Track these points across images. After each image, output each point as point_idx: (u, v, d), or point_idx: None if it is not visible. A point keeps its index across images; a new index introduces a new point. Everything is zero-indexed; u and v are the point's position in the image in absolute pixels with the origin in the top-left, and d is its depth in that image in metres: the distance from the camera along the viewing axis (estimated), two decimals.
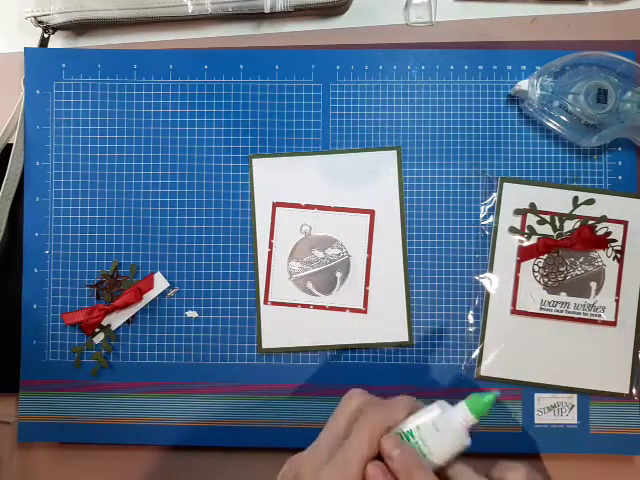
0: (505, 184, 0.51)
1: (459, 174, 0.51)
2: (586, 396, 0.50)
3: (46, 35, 0.52)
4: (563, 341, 0.50)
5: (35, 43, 0.52)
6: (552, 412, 0.50)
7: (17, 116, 0.52)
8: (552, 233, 0.51)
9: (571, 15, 0.53)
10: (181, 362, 0.51)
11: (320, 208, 0.51)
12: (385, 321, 0.51)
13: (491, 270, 0.51)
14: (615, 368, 0.50)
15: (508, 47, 0.52)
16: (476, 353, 0.50)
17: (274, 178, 0.51)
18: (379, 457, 0.35)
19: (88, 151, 0.52)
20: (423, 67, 0.52)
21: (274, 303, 0.51)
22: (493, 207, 0.51)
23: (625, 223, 0.51)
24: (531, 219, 0.51)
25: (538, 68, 0.50)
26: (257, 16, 0.53)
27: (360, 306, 0.51)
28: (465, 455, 0.37)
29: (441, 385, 0.50)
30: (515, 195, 0.51)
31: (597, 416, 0.50)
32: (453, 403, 0.37)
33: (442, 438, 0.35)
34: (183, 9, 0.51)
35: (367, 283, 0.51)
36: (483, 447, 0.48)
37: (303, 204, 0.51)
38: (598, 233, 0.50)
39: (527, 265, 0.51)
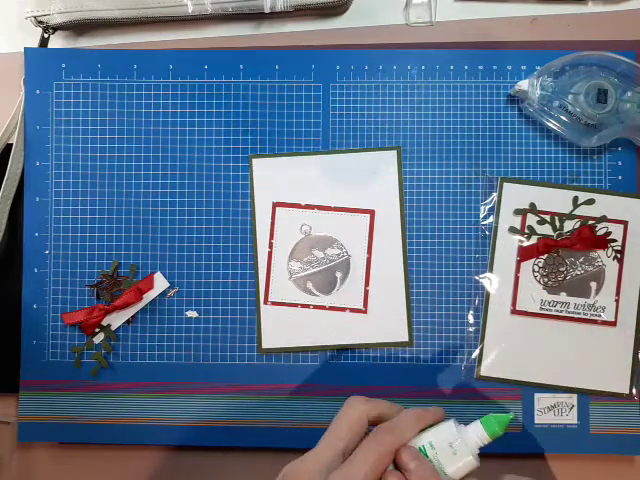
0: (505, 184, 0.51)
1: (459, 174, 0.51)
2: (586, 396, 0.50)
3: (46, 35, 0.52)
4: (563, 341, 0.50)
5: (35, 43, 0.52)
6: (552, 412, 0.50)
7: (17, 116, 0.52)
8: (552, 233, 0.51)
9: (571, 15, 0.53)
10: (181, 362, 0.51)
11: (320, 208, 0.51)
12: (385, 321, 0.51)
13: (491, 270, 0.51)
14: (615, 368, 0.50)
15: (508, 47, 0.52)
16: (476, 353, 0.50)
17: (274, 178, 0.51)
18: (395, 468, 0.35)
19: (88, 151, 0.52)
20: (423, 67, 0.52)
21: (274, 303, 0.51)
22: (493, 207, 0.51)
23: (625, 223, 0.51)
24: (531, 219, 0.51)
25: (538, 68, 0.50)
26: (257, 16, 0.53)
27: (360, 306, 0.51)
28: None
29: (441, 385, 0.50)
30: (515, 195, 0.51)
31: (597, 416, 0.50)
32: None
33: (457, 456, 0.35)
34: (183, 9, 0.51)
35: (367, 283, 0.51)
36: (483, 447, 0.48)
37: (303, 204, 0.51)
38: (598, 233, 0.50)
39: (527, 265, 0.51)
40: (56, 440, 0.52)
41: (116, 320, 0.51)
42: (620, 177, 0.51)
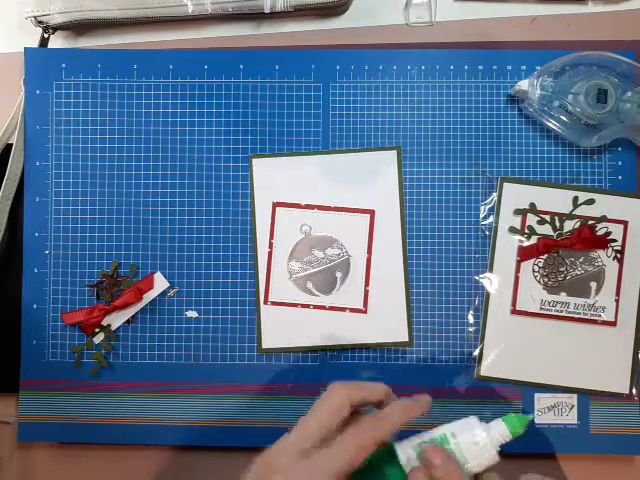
0: (505, 184, 0.51)
1: (459, 174, 0.51)
2: (586, 396, 0.50)
3: (46, 35, 0.52)
4: (563, 341, 0.50)
5: (35, 43, 0.52)
6: (552, 412, 0.50)
7: (17, 116, 0.52)
8: (552, 233, 0.51)
9: (571, 15, 0.53)
10: (181, 362, 0.51)
11: (320, 208, 0.51)
12: (385, 321, 0.51)
13: (491, 270, 0.51)
14: (615, 368, 0.50)
15: (508, 47, 0.52)
16: (476, 353, 0.50)
17: (274, 178, 0.51)
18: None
19: (88, 151, 0.52)
20: (423, 67, 0.52)
21: (274, 303, 0.51)
22: (493, 207, 0.51)
23: (625, 223, 0.51)
24: (531, 219, 0.51)
25: (538, 68, 0.50)
26: (257, 16, 0.53)
27: (360, 306, 0.51)
28: None
29: (441, 385, 0.50)
30: (515, 195, 0.51)
31: (597, 416, 0.50)
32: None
33: (480, 450, 0.37)
34: (183, 9, 0.51)
35: (367, 283, 0.51)
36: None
37: (303, 204, 0.51)
38: (598, 233, 0.50)
39: (527, 265, 0.51)
40: (56, 440, 0.52)
41: (116, 320, 0.51)
42: (620, 177, 0.51)
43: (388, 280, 0.51)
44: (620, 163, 0.51)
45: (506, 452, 0.49)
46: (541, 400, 0.50)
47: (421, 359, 0.51)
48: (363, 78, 0.52)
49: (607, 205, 0.51)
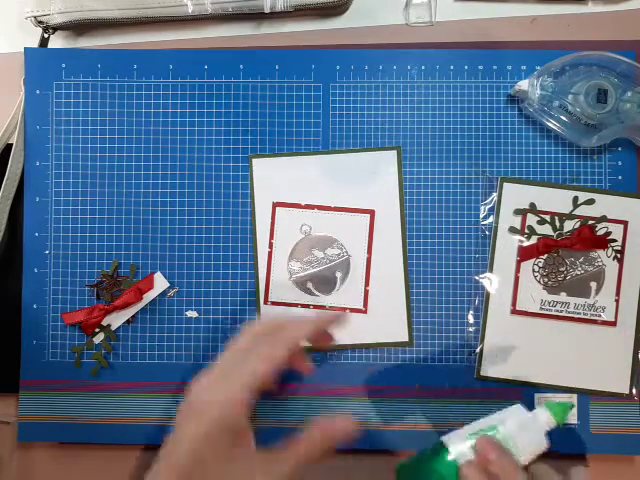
0: (505, 184, 0.51)
1: (459, 174, 0.51)
2: (586, 396, 0.50)
3: (46, 35, 0.52)
4: (563, 341, 0.50)
5: (35, 43, 0.52)
6: None
7: (17, 116, 0.52)
8: (552, 233, 0.51)
9: (571, 15, 0.53)
10: (181, 362, 0.51)
11: (320, 208, 0.51)
12: (385, 321, 0.51)
13: (491, 270, 0.51)
14: (615, 368, 0.50)
15: (508, 47, 0.52)
16: (476, 353, 0.50)
17: (274, 178, 0.51)
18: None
19: (88, 151, 0.52)
20: (423, 67, 0.52)
21: (274, 303, 0.51)
22: (493, 207, 0.51)
23: (625, 223, 0.51)
24: (531, 219, 0.51)
25: (538, 68, 0.50)
26: (257, 16, 0.53)
27: (360, 306, 0.51)
28: None
29: (441, 385, 0.50)
30: (515, 195, 0.51)
31: (597, 416, 0.50)
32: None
33: (529, 440, 0.38)
34: (183, 9, 0.51)
35: (367, 283, 0.51)
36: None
37: (303, 204, 0.51)
38: (598, 233, 0.50)
39: (527, 265, 0.51)
40: (56, 440, 0.52)
41: (116, 320, 0.51)
42: (620, 177, 0.51)
43: (388, 280, 0.51)
44: (620, 163, 0.51)
45: None
46: (541, 400, 0.50)
47: (421, 359, 0.51)
48: (363, 78, 0.52)
49: (607, 205, 0.51)
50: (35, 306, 0.51)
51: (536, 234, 0.51)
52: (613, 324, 0.50)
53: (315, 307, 0.51)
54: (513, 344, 0.50)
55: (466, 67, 0.52)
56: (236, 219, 0.51)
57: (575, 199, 0.51)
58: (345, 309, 0.51)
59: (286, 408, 0.50)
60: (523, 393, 0.50)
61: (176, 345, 0.51)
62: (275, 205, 0.51)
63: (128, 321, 0.51)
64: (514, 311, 0.51)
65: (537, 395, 0.50)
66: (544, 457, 0.51)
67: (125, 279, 0.51)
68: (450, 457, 0.37)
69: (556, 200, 0.51)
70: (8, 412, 0.52)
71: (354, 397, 0.50)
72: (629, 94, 0.48)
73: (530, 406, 0.50)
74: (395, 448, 0.50)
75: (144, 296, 0.51)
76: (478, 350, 0.50)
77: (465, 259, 0.51)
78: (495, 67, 0.51)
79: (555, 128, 0.49)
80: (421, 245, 0.51)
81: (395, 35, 0.53)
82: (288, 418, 0.50)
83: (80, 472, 0.52)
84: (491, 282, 0.51)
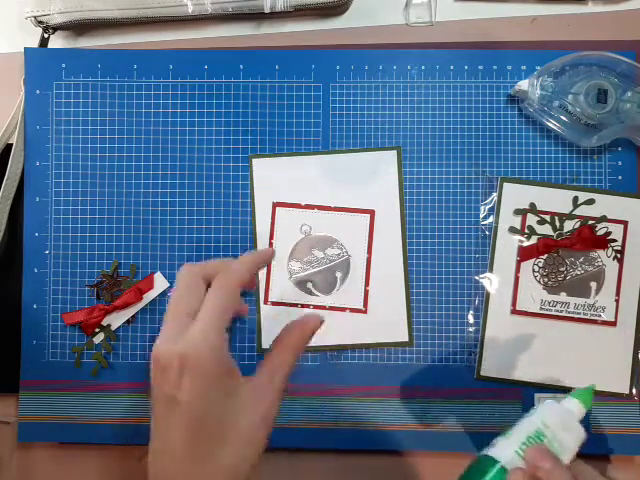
0: (505, 184, 0.51)
1: (459, 174, 0.51)
2: None
3: (46, 35, 0.52)
4: (563, 341, 0.50)
5: (35, 43, 0.52)
6: None
7: (17, 116, 0.52)
8: (552, 233, 0.51)
9: (571, 15, 0.53)
10: None
11: (320, 208, 0.51)
12: (385, 321, 0.51)
13: (491, 270, 0.51)
14: (615, 368, 0.50)
15: (508, 47, 0.52)
16: (476, 353, 0.50)
17: (274, 178, 0.51)
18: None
19: (88, 151, 0.52)
20: (423, 67, 0.52)
21: (274, 303, 0.51)
22: (493, 207, 0.51)
23: (625, 223, 0.51)
24: (531, 219, 0.51)
25: (538, 68, 0.50)
26: (257, 16, 0.53)
27: (360, 306, 0.51)
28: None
29: (441, 385, 0.50)
30: (515, 195, 0.51)
31: (597, 416, 0.50)
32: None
33: (569, 436, 0.38)
34: (183, 9, 0.51)
35: (367, 283, 0.51)
36: (484, 447, 0.48)
37: (303, 204, 0.51)
38: (598, 233, 0.50)
39: (527, 265, 0.51)
40: (56, 440, 0.52)
41: (116, 320, 0.51)
42: (620, 177, 0.51)
43: (388, 280, 0.51)
44: (620, 163, 0.51)
45: None
46: (541, 400, 0.50)
47: (421, 359, 0.51)
48: (363, 78, 0.52)
49: (607, 205, 0.51)
50: (35, 306, 0.51)
51: (536, 234, 0.51)
52: (613, 324, 0.50)
53: (315, 307, 0.51)
54: (513, 344, 0.50)
55: (466, 67, 0.52)
56: (236, 219, 0.51)
57: (575, 199, 0.51)
58: (345, 309, 0.51)
59: (286, 408, 0.50)
60: (523, 393, 0.50)
61: None
62: (275, 205, 0.51)
63: (128, 321, 0.51)
64: (514, 311, 0.51)
65: (537, 395, 0.50)
66: None
67: (125, 279, 0.51)
68: (498, 465, 0.37)
69: (556, 200, 0.51)
70: (8, 412, 0.52)
71: (354, 397, 0.50)
72: (629, 94, 0.48)
73: (530, 406, 0.50)
74: (395, 448, 0.50)
75: (144, 296, 0.51)
76: (478, 350, 0.50)
77: (465, 259, 0.51)
78: (495, 67, 0.51)
79: (555, 128, 0.49)
80: (421, 245, 0.51)
81: (395, 35, 0.53)
82: (288, 418, 0.50)
83: (80, 472, 0.52)
84: (491, 282, 0.51)
